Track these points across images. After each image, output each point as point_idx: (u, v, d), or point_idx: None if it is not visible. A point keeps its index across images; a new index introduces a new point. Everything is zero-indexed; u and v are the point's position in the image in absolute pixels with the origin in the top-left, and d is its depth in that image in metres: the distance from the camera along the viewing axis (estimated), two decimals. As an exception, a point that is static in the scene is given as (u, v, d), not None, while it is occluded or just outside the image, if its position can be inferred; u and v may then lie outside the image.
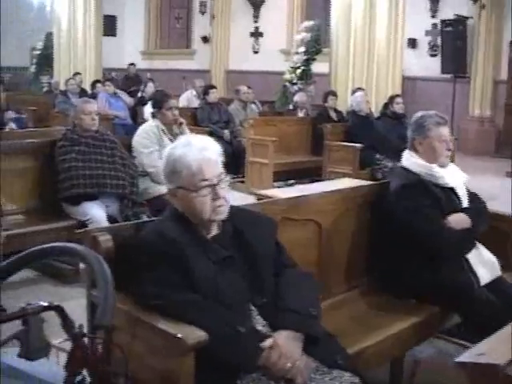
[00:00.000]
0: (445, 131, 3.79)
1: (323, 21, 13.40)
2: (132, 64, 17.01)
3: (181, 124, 5.90)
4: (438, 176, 3.68)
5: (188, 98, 12.53)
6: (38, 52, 16.56)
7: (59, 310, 1.76)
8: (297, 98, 11.22)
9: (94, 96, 12.14)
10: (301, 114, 10.89)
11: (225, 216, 2.48)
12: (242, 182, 9.11)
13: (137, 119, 11.05)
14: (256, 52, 17.77)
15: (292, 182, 9.94)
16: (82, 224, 5.10)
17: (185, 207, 2.48)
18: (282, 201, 3.35)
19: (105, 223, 5.06)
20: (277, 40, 16.70)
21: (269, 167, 8.96)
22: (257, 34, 17.65)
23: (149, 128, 5.80)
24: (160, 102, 5.89)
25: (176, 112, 5.91)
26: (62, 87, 14.46)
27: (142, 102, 11.43)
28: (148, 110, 10.51)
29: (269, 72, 15.92)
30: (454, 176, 3.81)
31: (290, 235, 3.18)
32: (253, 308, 2.43)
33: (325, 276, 3.51)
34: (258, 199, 3.87)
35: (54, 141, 5.44)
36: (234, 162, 8.89)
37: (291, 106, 11.34)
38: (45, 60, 16.28)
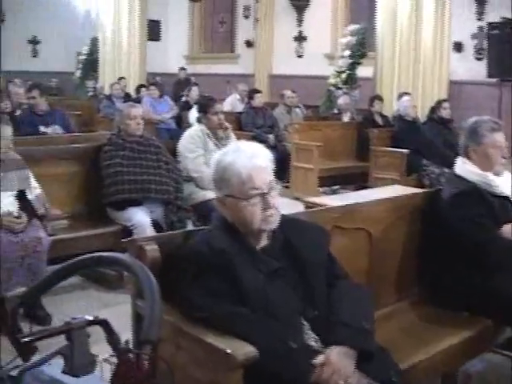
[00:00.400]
0: (500, 137, 3.65)
1: (368, 24, 13.23)
2: (183, 68, 16.89)
3: (226, 129, 5.85)
4: (493, 185, 3.55)
5: (232, 103, 12.48)
6: (84, 57, 16.65)
7: (104, 324, 1.69)
8: (341, 101, 11.07)
9: (138, 100, 12.13)
10: (346, 119, 10.75)
11: (275, 226, 2.39)
12: (287, 187, 9.01)
13: (181, 124, 11.04)
14: (300, 56, 17.60)
15: (337, 187, 9.84)
16: (127, 229, 5.07)
17: (234, 216, 2.39)
18: (333, 209, 3.26)
19: (149, 229, 5.03)
20: (320, 44, 16.50)
21: (314, 172, 8.86)
22: (300, 38, 17.49)
23: (194, 132, 5.76)
24: (205, 106, 5.85)
25: (221, 116, 5.86)
26: (107, 92, 14.61)
27: (187, 107, 11.43)
28: (193, 114, 10.53)
29: (312, 76, 15.73)
30: (508, 184, 3.67)
31: (339, 244, 3.09)
32: (304, 322, 2.34)
33: (374, 286, 3.39)
34: (307, 207, 3.77)
35: (99, 146, 5.43)
36: (279, 167, 8.77)
37: (336, 111, 11.19)
38: (90, 65, 16.37)
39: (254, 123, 9.72)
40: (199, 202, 5.55)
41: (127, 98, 12.21)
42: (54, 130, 7.39)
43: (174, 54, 19.43)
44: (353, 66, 11.88)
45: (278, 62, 17.68)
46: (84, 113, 11.42)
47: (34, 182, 4.70)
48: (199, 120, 5.92)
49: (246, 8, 18.60)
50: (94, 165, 5.36)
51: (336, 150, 9.46)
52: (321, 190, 9.18)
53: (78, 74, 16.67)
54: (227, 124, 5.88)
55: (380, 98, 10.06)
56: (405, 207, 3.64)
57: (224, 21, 19.89)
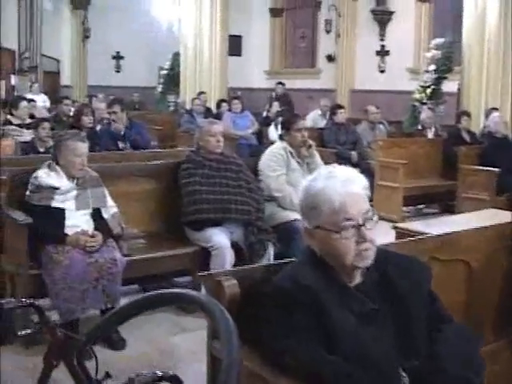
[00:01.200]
0: None
1: (453, 37, 12.80)
2: (280, 83, 15.86)
3: (310, 146, 5.61)
4: None
5: (314, 118, 12.25)
6: (165, 72, 16.73)
7: (175, 381, 1.46)
8: (423, 115, 10.65)
9: (219, 115, 12.09)
10: (430, 135, 10.32)
11: (371, 262, 2.11)
12: (371, 205, 8.67)
13: (262, 140, 10.87)
14: (382, 71, 17.27)
15: (421, 207, 9.48)
16: (205, 250, 4.88)
17: (324, 250, 2.11)
18: (430, 239, 2.95)
19: (228, 251, 4.83)
20: (403, 58, 16.15)
21: (399, 191, 8.54)
22: (383, 53, 17.15)
23: (276, 150, 5.54)
24: (288, 122, 5.63)
25: (305, 133, 5.62)
26: (188, 106, 14.59)
27: (267, 122, 11.25)
28: (272, 130, 10.35)
29: (395, 91, 15.42)
30: None
31: (435, 277, 2.78)
32: (403, 374, 2.03)
33: (472, 324, 3.07)
34: (398, 234, 3.47)
35: (178, 163, 5.26)
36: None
37: (419, 127, 10.78)
38: (171, 80, 16.41)
39: (336, 140, 9.42)
40: (281, 222, 5.32)
41: (208, 112, 12.11)
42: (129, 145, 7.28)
43: (254, 69, 19.37)
44: (438, 81, 11.46)
45: (360, 76, 17.38)
46: (165, 127, 11.38)
47: (110, 201, 4.57)
48: (281, 137, 5.69)
49: (328, 22, 18.37)
50: (173, 182, 5.20)
51: (421, 168, 9.10)
52: (404, 209, 8.84)
53: (160, 88, 16.74)
54: (311, 141, 5.63)
55: (468, 114, 9.64)
56: (508, 236, 3.30)
57: (305, 35, 19.74)
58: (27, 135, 7.54)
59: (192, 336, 4.44)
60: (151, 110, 16.03)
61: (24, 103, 8.18)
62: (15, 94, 14.32)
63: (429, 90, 11.40)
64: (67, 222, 4.30)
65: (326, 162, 5.27)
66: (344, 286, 2.09)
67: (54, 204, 4.29)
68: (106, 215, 4.48)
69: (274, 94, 14.60)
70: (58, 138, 4.52)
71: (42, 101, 13.65)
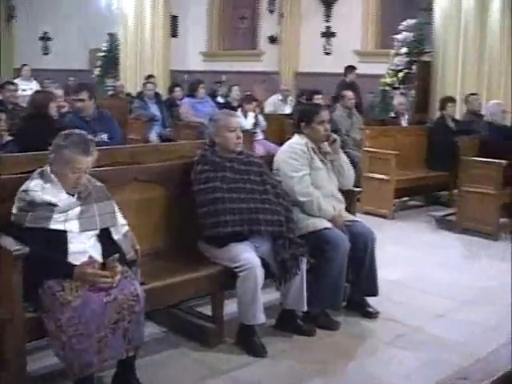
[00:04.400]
0: None
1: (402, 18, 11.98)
2: (351, 67, 12.70)
3: (334, 141, 4.75)
4: None
5: (274, 103, 11.38)
6: (102, 54, 15.53)
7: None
8: (396, 101, 9.92)
9: (172, 101, 11.09)
10: (404, 123, 9.65)
11: None
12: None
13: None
14: (328, 53, 16.61)
15: (406, 199, 8.80)
16: (229, 270, 3.98)
17: None
18: None
19: (260, 270, 3.96)
20: (350, 40, 15.57)
21: (390, 184, 7.85)
22: (328, 34, 16.49)
23: (298, 146, 4.65)
24: (309, 113, 4.75)
25: (328, 126, 4.76)
26: (129, 90, 13.48)
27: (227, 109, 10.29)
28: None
29: (341, 74, 14.93)
30: None
31: None
32: None
33: None
34: None
35: (187, 164, 4.31)
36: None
37: (393, 114, 10.04)
38: (109, 62, 15.27)
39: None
40: (307, 232, 4.45)
41: (157, 97, 11.04)
42: (101, 139, 6.19)
43: (191, 51, 18.34)
44: (410, 64, 10.75)
45: (305, 59, 16.70)
46: (114, 114, 10.22)
47: (120, 217, 3.58)
48: (298, 131, 4.80)
49: (271, 3, 17.53)
50: (182, 188, 4.26)
51: (409, 159, 8.39)
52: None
53: (97, 71, 15.52)
54: (335, 135, 4.77)
55: (453, 100, 8.99)
56: None
57: (245, 16, 18.80)
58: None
59: (229, 379, 3.61)
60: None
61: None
62: None
63: (401, 74, 10.67)
64: (70, 248, 3.31)
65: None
66: None
67: (53, 226, 3.29)
68: (116, 236, 3.49)
69: (346, 79, 12.62)
70: (57, 140, 3.46)
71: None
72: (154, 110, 10.50)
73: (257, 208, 4.07)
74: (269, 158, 4.78)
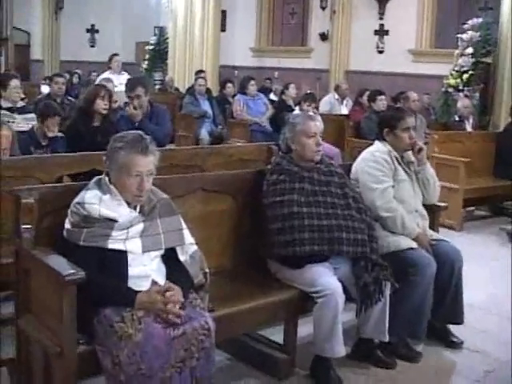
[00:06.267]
0: None
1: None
2: None
3: (420, 150, 4.23)
4: None
5: (330, 103, 10.82)
6: (151, 47, 15.18)
7: None
8: (460, 104, 9.27)
9: (224, 98, 10.62)
10: (469, 127, 9.02)
11: None
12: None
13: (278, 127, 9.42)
14: (381, 51, 16.17)
15: (471, 209, 8.23)
16: (307, 295, 3.50)
17: None
18: None
19: (341, 296, 3.46)
20: (404, 39, 15.12)
21: (459, 193, 7.31)
22: (381, 32, 16.04)
23: (380, 155, 4.13)
24: (392, 119, 4.23)
25: (413, 133, 4.24)
26: (177, 85, 13.08)
27: (282, 107, 9.78)
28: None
29: (395, 73, 14.48)
30: None
31: None
32: None
33: None
34: None
35: (258, 172, 3.83)
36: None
37: (456, 117, 9.42)
38: (157, 56, 14.92)
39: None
40: (389, 252, 3.94)
41: (208, 93, 10.60)
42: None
43: (238, 46, 17.95)
44: (476, 66, 10.14)
45: (356, 57, 16.35)
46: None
47: (188, 235, 3.10)
48: (379, 138, 4.29)
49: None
50: (252, 200, 3.78)
51: (476, 166, 7.84)
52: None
53: (145, 65, 15.17)
54: (421, 144, 4.25)
55: (522, 105, 8.38)
56: None
57: (295, 11, 18.35)
58: (21, 122, 5.98)
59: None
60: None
61: (15, 82, 6.45)
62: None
63: (465, 76, 10.05)
64: (131, 271, 2.85)
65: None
66: None
67: (112, 245, 2.82)
68: (183, 257, 3.02)
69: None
70: (111, 144, 2.99)
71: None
72: (205, 106, 10.10)
73: (339, 225, 3.57)
74: (346, 167, 4.27)
